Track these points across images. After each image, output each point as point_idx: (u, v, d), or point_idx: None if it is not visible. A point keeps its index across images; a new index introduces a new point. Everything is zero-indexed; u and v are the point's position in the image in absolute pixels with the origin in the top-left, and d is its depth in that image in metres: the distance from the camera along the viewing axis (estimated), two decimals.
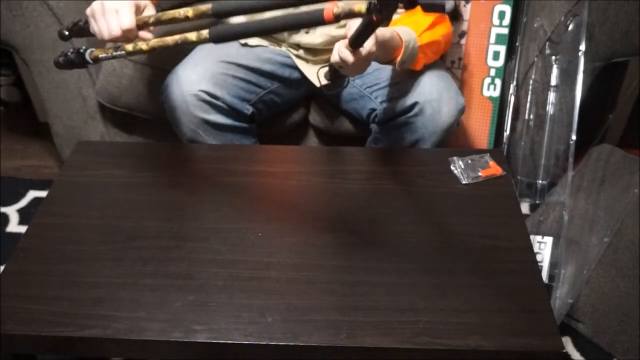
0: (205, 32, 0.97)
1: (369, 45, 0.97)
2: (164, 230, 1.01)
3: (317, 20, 0.85)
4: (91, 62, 1.08)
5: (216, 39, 0.96)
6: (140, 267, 0.94)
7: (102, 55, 1.07)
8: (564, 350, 0.82)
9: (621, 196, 1.32)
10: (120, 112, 1.49)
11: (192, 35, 0.98)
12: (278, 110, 1.39)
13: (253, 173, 1.14)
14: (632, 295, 1.23)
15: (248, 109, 1.26)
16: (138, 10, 1.05)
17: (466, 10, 1.48)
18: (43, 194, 1.66)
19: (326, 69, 1.15)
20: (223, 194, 1.08)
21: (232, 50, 1.28)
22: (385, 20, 0.81)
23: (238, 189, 1.10)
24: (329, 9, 0.82)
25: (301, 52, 1.32)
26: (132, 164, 1.15)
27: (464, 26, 1.49)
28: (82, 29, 1.10)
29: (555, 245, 1.27)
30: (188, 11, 1.03)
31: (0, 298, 0.89)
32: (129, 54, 1.04)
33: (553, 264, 1.26)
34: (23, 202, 1.67)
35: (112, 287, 0.91)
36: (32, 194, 1.70)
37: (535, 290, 0.90)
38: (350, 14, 0.82)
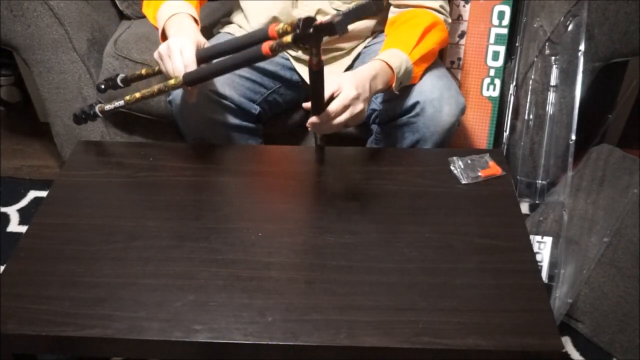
0: (180, 77, 1.06)
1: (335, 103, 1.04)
2: (164, 230, 1.01)
3: (258, 56, 0.98)
4: (100, 115, 1.21)
5: (189, 81, 1.06)
6: (141, 267, 0.94)
7: (107, 107, 1.19)
8: (564, 350, 0.82)
9: (620, 196, 1.33)
10: (120, 112, 1.49)
11: (171, 81, 1.08)
12: (280, 111, 1.39)
13: (253, 173, 1.14)
14: (631, 295, 1.23)
15: (255, 109, 1.27)
16: (198, 47, 1.09)
17: (466, 11, 1.48)
18: (43, 194, 1.66)
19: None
20: (223, 194, 1.09)
21: None
22: (316, 57, 0.95)
23: (238, 189, 1.10)
24: (265, 44, 0.96)
25: (299, 52, 1.32)
26: (132, 164, 1.15)
27: (464, 26, 1.49)
28: (115, 84, 1.26)
29: (554, 245, 1.28)
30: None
31: (1, 298, 0.89)
32: (127, 102, 1.15)
33: (553, 264, 1.26)
34: (23, 202, 1.68)
35: (112, 287, 0.91)
36: (32, 194, 1.70)
37: (534, 290, 0.90)
38: (282, 45, 0.94)
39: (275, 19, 1.27)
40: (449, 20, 1.25)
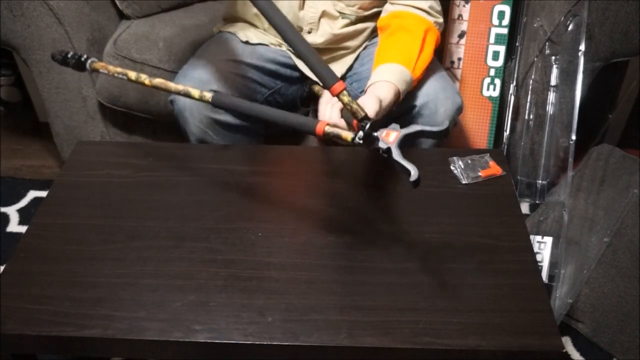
0: (208, 95, 1.03)
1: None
2: (164, 230, 1.01)
3: (310, 130, 0.93)
4: (89, 70, 1.13)
5: (216, 104, 1.03)
6: (140, 267, 0.94)
7: (102, 70, 1.10)
8: (564, 350, 0.82)
9: (621, 196, 1.33)
10: (120, 112, 1.49)
11: (195, 92, 1.03)
12: None
13: (253, 173, 1.14)
14: (631, 295, 1.23)
15: None
16: None
17: (466, 10, 1.48)
18: (43, 194, 1.66)
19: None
20: (223, 194, 1.08)
21: (237, 48, 1.28)
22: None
23: (238, 189, 1.10)
24: (321, 125, 0.91)
25: None
26: (132, 164, 1.15)
27: (464, 26, 1.49)
28: (66, 62, 1.14)
29: (555, 245, 1.28)
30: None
31: (0, 298, 0.89)
32: (129, 80, 1.07)
33: (553, 264, 1.26)
34: (23, 202, 1.67)
35: (112, 287, 0.91)
36: (32, 194, 1.70)
37: (535, 290, 0.90)
38: (338, 138, 0.90)
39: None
40: (440, 20, 1.24)
